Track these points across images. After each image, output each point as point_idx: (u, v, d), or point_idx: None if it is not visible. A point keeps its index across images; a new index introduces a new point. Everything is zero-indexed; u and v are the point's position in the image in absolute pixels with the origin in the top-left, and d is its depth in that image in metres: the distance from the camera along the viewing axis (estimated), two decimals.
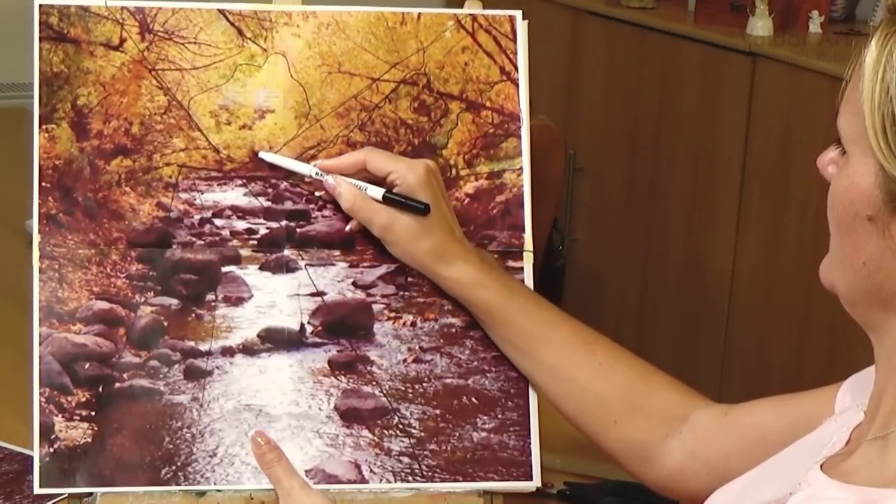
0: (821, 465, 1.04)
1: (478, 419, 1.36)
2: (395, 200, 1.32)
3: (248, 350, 1.35)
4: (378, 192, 1.32)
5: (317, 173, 1.35)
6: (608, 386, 1.34)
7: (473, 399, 1.37)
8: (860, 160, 0.99)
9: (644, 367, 1.36)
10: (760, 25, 3.52)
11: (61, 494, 1.39)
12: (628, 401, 1.34)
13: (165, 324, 1.34)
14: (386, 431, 1.35)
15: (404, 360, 1.37)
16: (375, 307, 1.37)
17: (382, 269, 1.38)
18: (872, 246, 1.00)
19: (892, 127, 0.96)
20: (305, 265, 1.37)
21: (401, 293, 1.38)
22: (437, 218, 1.32)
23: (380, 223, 1.33)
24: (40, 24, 1.34)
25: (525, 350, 1.35)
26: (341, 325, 1.36)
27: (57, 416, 1.31)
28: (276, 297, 1.36)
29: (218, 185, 1.36)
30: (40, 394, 1.31)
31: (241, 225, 1.36)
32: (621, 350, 1.37)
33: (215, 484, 1.31)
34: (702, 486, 1.26)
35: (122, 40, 1.36)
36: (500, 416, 1.37)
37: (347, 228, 1.36)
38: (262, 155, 1.36)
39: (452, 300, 1.37)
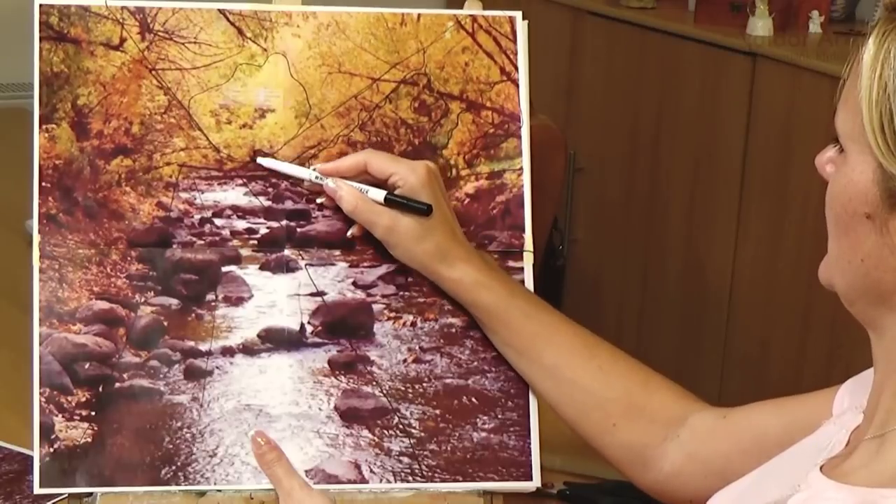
0: (820, 467, 1.04)
1: (478, 419, 1.36)
2: (398, 202, 1.32)
3: (248, 350, 1.35)
4: (380, 194, 1.32)
5: (317, 177, 1.34)
6: (608, 389, 1.34)
7: (473, 399, 1.37)
8: (858, 158, 0.99)
9: (644, 370, 1.36)
10: (760, 25, 3.52)
11: (61, 494, 1.39)
12: (627, 404, 1.33)
13: (165, 324, 1.34)
14: (386, 431, 1.35)
15: (404, 361, 1.37)
16: (375, 307, 1.37)
17: (382, 269, 1.38)
18: (870, 243, 1.00)
19: (889, 124, 0.96)
20: (306, 265, 1.37)
21: (401, 293, 1.38)
22: (439, 219, 1.33)
23: (382, 225, 1.32)
24: (40, 24, 1.34)
25: (525, 352, 1.35)
26: (341, 325, 1.36)
27: (57, 416, 1.31)
28: (277, 297, 1.36)
29: (218, 184, 1.36)
30: (40, 394, 1.31)
31: (241, 225, 1.36)
32: (621, 354, 1.37)
33: (215, 484, 1.31)
34: (699, 490, 1.26)
35: (123, 40, 1.36)
36: (500, 417, 1.37)
37: (349, 234, 1.36)
38: (260, 161, 1.36)
39: (452, 300, 1.37)
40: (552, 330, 1.35)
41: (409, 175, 1.32)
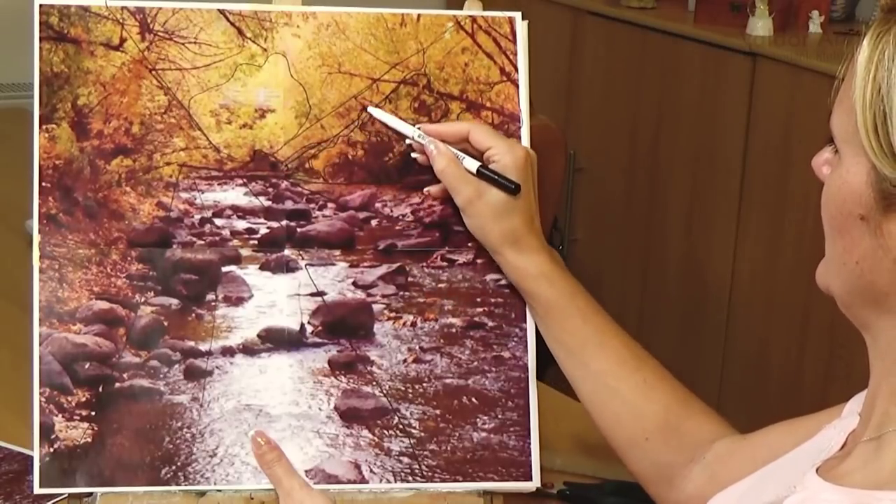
0: (817, 469, 1.04)
1: (478, 419, 1.37)
2: (489, 176, 1.32)
3: (248, 350, 1.35)
4: (473, 164, 1.33)
5: (419, 135, 1.35)
6: (648, 403, 1.34)
7: (473, 399, 1.37)
8: (852, 160, 0.99)
9: (685, 392, 1.36)
10: (760, 25, 3.52)
11: (61, 494, 1.39)
12: (664, 421, 1.33)
13: (165, 324, 1.34)
14: (386, 431, 1.35)
15: (404, 361, 1.37)
16: (375, 307, 1.37)
17: (382, 269, 1.38)
18: (865, 245, 1.00)
19: (883, 126, 0.96)
20: (306, 265, 1.37)
21: (401, 293, 1.38)
22: (523, 203, 1.33)
23: (466, 194, 1.33)
24: (40, 24, 1.35)
25: (575, 352, 1.35)
26: (341, 325, 1.36)
27: (57, 416, 1.31)
28: (277, 297, 1.36)
29: (218, 184, 1.36)
30: (40, 394, 1.31)
31: (241, 225, 1.36)
32: (666, 372, 1.37)
33: (215, 484, 1.31)
34: None
35: (123, 40, 1.36)
36: (500, 417, 1.37)
37: (426, 190, 1.37)
38: (370, 110, 1.37)
39: (453, 300, 1.37)
40: (605, 336, 1.35)
41: (507, 153, 1.33)
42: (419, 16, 1.40)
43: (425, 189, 1.37)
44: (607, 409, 1.35)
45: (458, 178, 1.32)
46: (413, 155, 1.37)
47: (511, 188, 1.31)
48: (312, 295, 1.36)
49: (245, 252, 1.36)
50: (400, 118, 1.37)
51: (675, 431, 1.33)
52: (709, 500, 1.29)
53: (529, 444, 1.37)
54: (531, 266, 1.34)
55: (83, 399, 1.32)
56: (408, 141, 1.36)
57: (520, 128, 1.41)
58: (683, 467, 1.33)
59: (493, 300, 1.39)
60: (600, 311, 1.37)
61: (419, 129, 1.36)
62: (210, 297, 1.35)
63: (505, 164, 1.32)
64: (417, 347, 1.37)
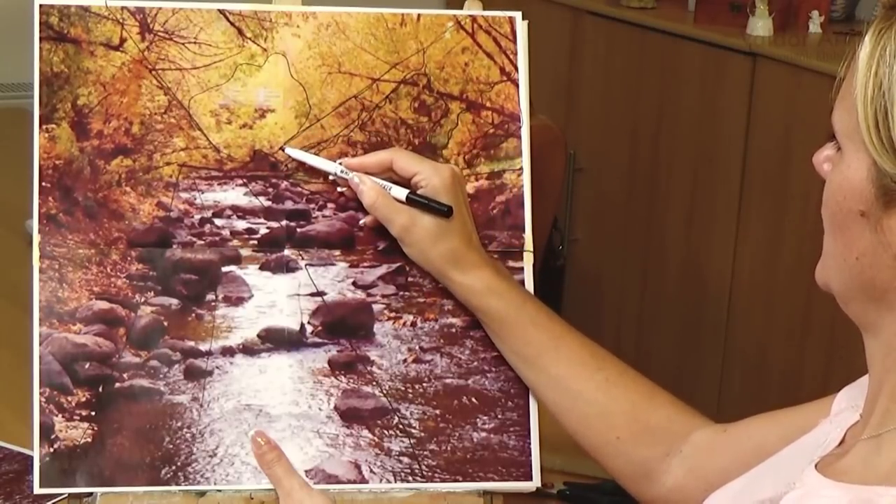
0: (815, 465, 1.04)
1: (478, 419, 1.37)
2: (419, 202, 1.32)
3: (248, 350, 1.35)
4: (402, 192, 1.33)
5: (342, 171, 1.35)
6: (613, 402, 1.34)
7: (473, 399, 1.37)
8: (853, 156, 0.99)
9: (649, 385, 1.36)
10: (760, 25, 3.52)
11: (61, 494, 1.39)
12: (633, 417, 1.33)
13: (165, 324, 1.34)
14: (386, 431, 1.35)
15: (404, 361, 1.37)
16: (375, 307, 1.37)
17: (382, 269, 1.38)
18: (865, 241, 1.00)
19: (884, 122, 0.96)
20: (305, 265, 1.37)
21: (401, 293, 1.38)
22: (458, 223, 1.33)
23: (400, 223, 1.33)
24: (40, 24, 1.35)
25: (532, 361, 1.35)
26: (341, 325, 1.36)
27: (57, 416, 1.31)
28: (277, 297, 1.36)
29: (218, 184, 1.36)
30: (40, 394, 1.31)
31: (241, 225, 1.36)
32: (628, 368, 1.36)
33: (215, 484, 1.31)
34: None
35: (123, 40, 1.36)
36: (500, 417, 1.37)
37: (361, 223, 1.36)
38: (287, 150, 1.36)
39: (453, 300, 1.37)
40: (560, 341, 1.35)
41: (433, 176, 1.33)
42: (419, 16, 1.40)
43: (360, 221, 1.36)
44: (573, 413, 1.35)
45: (389, 208, 1.32)
46: (339, 189, 1.36)
47: (444, 210, 1.31)
48: (312, 295, 1.36)
49: (245, 252, 1.36)
50: (319, 156, 1.36)
51: (644, 427, 1.33)
52: (690, 492, 1.29)
53: (529, 444, 1.37)
54: (476, 282, 1.34)
55: (83, 399, 1.32)
56: (331, 178, 1.36)
57: (520, 128, 1.41)
58: (660, 462, 1.33)
59: None
60: (553, 317, 1.36)
61: (341, 163, 1.35)
62: (210, 297, 1.35)
63: (433, 186, 1.32)
64: (417, 347, 1.37)
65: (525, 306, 1.35)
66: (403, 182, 1.34)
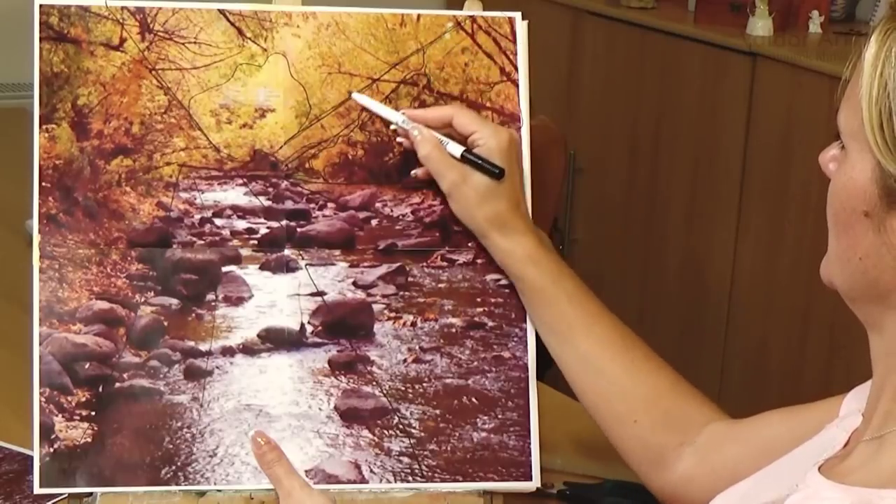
0: (819, 467, 1.04)
1: (478, 419, 1.37)
2: (472, 160, 1.32)
3: (248, 350, 1.35)
4: (458, 149, 1.33)
5: (403, 121, 1.35)
6: (637, 384, 1.34)
7: (473, 399, 1.37)
8: (858, 156, 1.00)
9: (674, 374, 1.37)
10: (760, 25, 3.52)
11: (61, 494, 1.39)
12: (653, 403, 1.34)
13: (165, 324, 1.34)
14: (386, 431, 1.35)
15: (404, 360, 1.37)
16: (375, 307, 1.37)
17: (382, 269, 1.38)
18: (868, 242, 1.00)
19: (888, 122, 0.96)
20: (306, 265, 1.37)
21: (401, 293, 1.38)
22: (507, 187, 1.33)
23: (451, 178, 1.33)
24: (40, 24, 1.35)
25: (563, 335, 1.35)
26: (341, 325, 1.36)
27: (57, 416, 1.31)
28: (277, 297, 1.36)
29: (218, 184, 1.36)
30: (40, 394, 1.31)
31: (241, 224, 1.36)
32: (655, 355, 1.37)
33: (215, 484, 1.31)
34: (708, 496, 1.26)
35: (123, 40, 1.36)
36: (500, 417, 1.37)
37: (413, 173, 1.37)
38: (354, 96, 1.37)
39: (453, 300, 1.37)
40: (593, 319, 1.35)
41: (491, 138, 1.33)
42: (419, 16, 1.40)
43: (412, 172, 1.37)
44: (595, 390, 1.35)
45: (441, 162, 1.33)
46: (398, 139, 1.37)
47: (495, 172, 1.32)
48: (312, 295, 1.36)
49: (245, 252, 1.36)
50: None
51: (664, 413, 1.34)
52: (697, 482, 1.29)
53: (529, 444, 1.37)
54: (517, 249, 1.34)
55: (83, 399, 1.32)
56: (392, 126, 1.37)
57: (520, 128, 1.41)
58: (674, 449, 1.33)
59: (493, 300, 1.39)
60: (589, 294, 1.36)
61: (404, 114, 1.36)
62: (210, 297, 1.35)
63: (489, 148, 1.33)
64: (417, 347, 1.37)
65: (562, 280, 1.35)
66: (462, 140, 1.34)
